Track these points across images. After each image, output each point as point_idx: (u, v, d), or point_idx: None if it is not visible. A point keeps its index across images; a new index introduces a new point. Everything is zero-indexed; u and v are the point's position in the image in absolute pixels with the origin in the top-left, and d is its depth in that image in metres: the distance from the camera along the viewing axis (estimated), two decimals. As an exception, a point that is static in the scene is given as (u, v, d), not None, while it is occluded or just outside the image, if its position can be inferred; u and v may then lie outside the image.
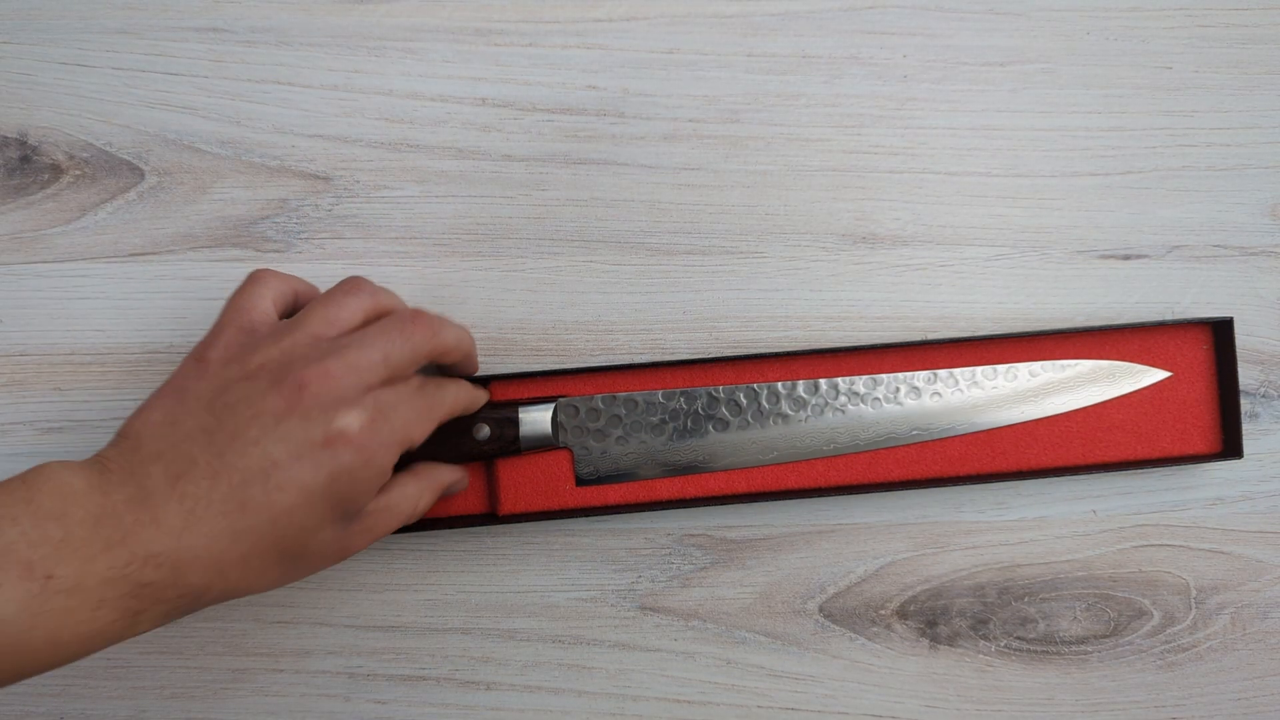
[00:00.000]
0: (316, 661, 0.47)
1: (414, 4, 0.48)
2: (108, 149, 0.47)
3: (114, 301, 0.47)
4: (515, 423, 0.45)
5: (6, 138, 0.47)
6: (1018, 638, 0.47)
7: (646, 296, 0.48)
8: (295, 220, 0.47)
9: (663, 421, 0.46)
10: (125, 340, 0.47)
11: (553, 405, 0.45)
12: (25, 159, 0.47)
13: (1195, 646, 0.48)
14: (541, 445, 0.45)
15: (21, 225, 0.47)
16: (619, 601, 0.47)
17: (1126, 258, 0.49)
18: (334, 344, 0.38)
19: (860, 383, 0.46)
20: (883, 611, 0.47)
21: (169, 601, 0.34)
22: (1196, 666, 0.47)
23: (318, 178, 0.47)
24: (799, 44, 0.48)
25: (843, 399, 0.46)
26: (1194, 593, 0.48)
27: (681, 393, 0.46)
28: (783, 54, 0.48)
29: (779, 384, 0.46)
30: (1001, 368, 0.47)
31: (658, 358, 0.47)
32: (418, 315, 0.40)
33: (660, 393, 0.46)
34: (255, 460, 0.35)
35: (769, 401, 0.46)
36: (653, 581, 0.47)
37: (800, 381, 0.46)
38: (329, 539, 0.37)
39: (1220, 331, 0.47)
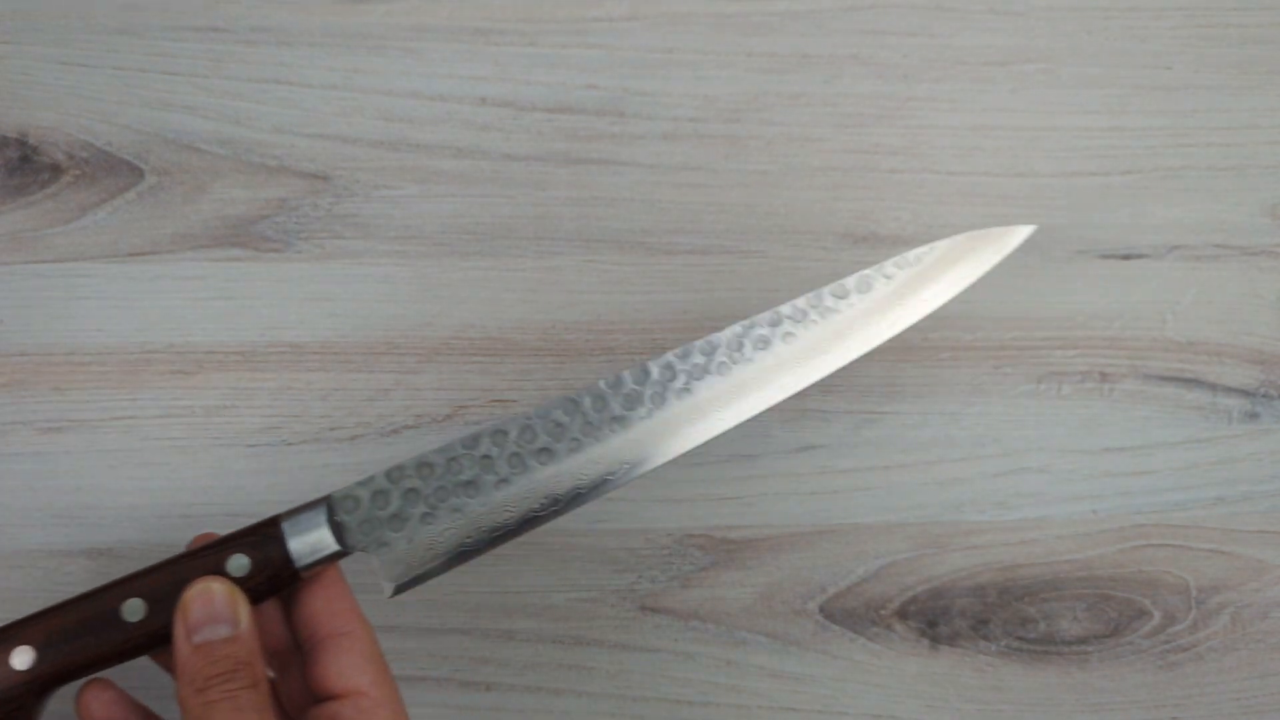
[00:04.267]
0: (316, 662, 0.47)
1: (414, 4, 0.48)
2: (108, 149, 0.47)
3: (113, 301, 0.47)
4: (280, 539, 0.35)
5: (6, 138, 0.47)
6: (1018, 638, 0.47)
7: (646, 296, 0.48)
8: (294, 220, 0.47)
9: (475, 477, 0.36)
10: (125, 340, 0.47)
11: (323, 504, 0.35)
12: (25, 159, 0.47)
13: (1196, 646, 0.47)
14: (325, 559, 0.35)
15: (21, 225, 0.47)
16: (619, 602, 0.47)
17: (1126, 258, 0.49)
18: None
19: (695, 353, 0.38)
20: (883, 612, 0.47)
21: None
22: (1197, 666, 0.47)
23: (317, 177, 0.47)
24: (799, 44, 0.48)
25: (682, 378, 0.38)
26: (1194, 593, 0.48)
27: (487, 434, 0.37)
28: (783, 54, 0.48)
29: (600, 383, 0.38)
30: (850, 281, 0.40)
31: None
32: None
33: (458, 442, 0.37)
34: None
35: (595, 409, 0.37)
36: (653, 582, 0.47)
37: (624, 372, 0.38)
38: None
39: None
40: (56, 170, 0.47)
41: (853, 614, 0.47)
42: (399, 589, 0.36)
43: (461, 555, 0.37)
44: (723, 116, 0.48)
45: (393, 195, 0.47)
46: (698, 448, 0.38)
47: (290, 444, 0.46)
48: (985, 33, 0.48)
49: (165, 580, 0.34)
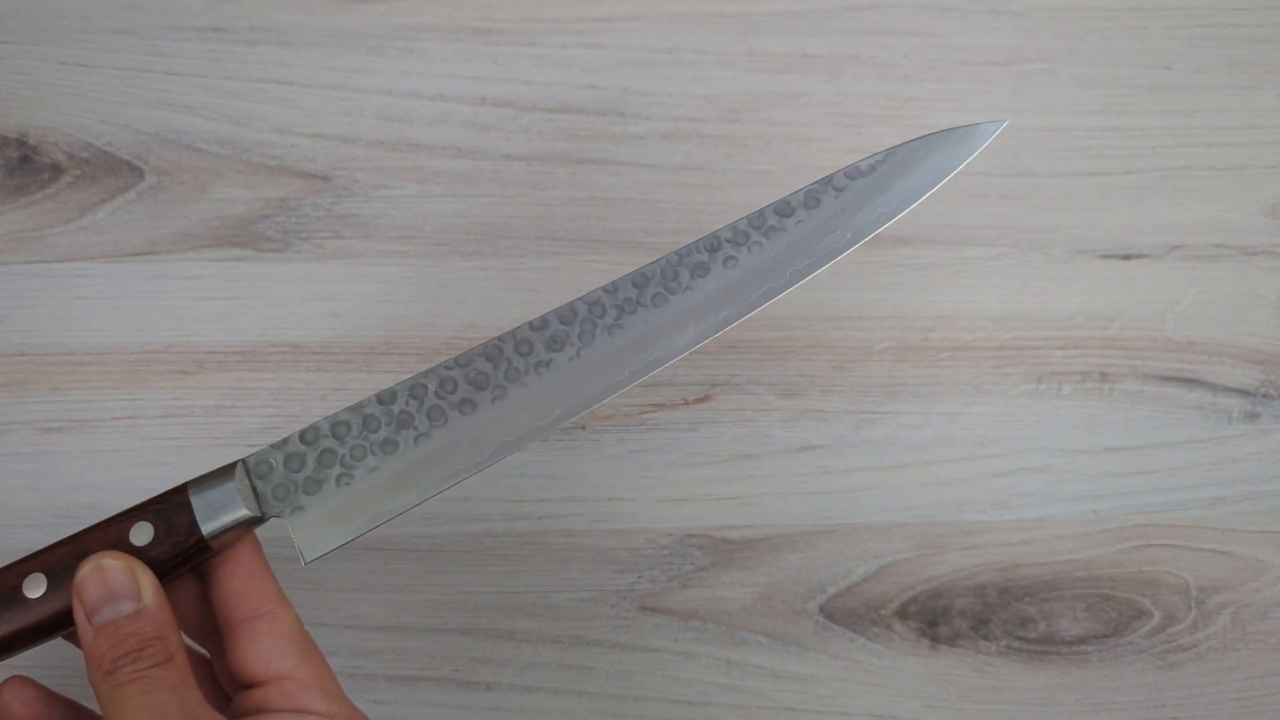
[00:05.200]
0: (316, 662, 0.47)
1: (414, 4, 0.48)
2: (108, 149, 0.47)
3: (113, 301, 0.47)
4: (186, 504, 0.33)
5: (6, 138, 0.47)
6: (1018, 638, 0.47)
7: (646, 296, 0.48)
8: (294, 220, 0.47)
9: (393, 435, 0.34)
10: (124, 340, 0.47)
11: (234, 469, 0.33)
12: (25, 159, 0.47)
13: (1195, 646, 0.47)
14: (237, 525, 0.33)
15: (21, 225, 0.47)
16: (619, 602, 0.47)
17: (1126, 258, 0.49)
18: None
19: (626, 285, 0.35)
20: (883, 612, 0.47)
21: None
22: (1197, 666, 0.47)
23: (317, 177, 0.47)
24: (799, 44, 0.48)
25: (612, 314, 0.35)
26: (1194, 593, 0.48)
27: (404, 388, 0.35)
28: (783, 54, 0.48)
29: (524, 328, 0.35)
30: (795, 197, 0.36)
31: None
32: None
33: (375, 398, 0.34)
34: None
35: (519, 353, 0.35)
36: (653, 582, 0.47)
37: (548, 314, 0.35)
38: None
39: None
40: (56, 170, 0.47)
41: (853, 614, 0.47)
42: (316, 556, 0.34)
43: (381, 517, 0.34)
44: (723, 116, 0.48)
45: (393, 195, 0.47)
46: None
47: (290, 444, 0.46)
48: (985, 33, 0.48)
49: (66, 554, 0.32)
